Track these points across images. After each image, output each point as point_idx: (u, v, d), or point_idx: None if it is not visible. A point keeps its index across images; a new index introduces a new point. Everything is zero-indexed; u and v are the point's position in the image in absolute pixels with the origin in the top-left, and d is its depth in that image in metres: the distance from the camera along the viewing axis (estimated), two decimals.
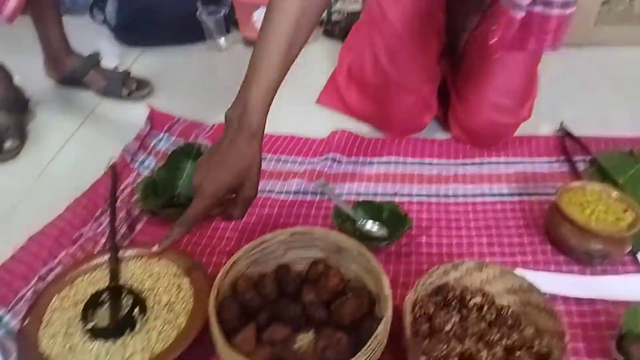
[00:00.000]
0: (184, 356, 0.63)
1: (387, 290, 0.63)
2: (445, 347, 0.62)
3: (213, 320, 0.61)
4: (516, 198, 0.94)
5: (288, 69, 0.70)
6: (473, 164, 1.03)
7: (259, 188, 0.94)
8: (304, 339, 0.69)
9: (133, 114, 1.16)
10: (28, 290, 0.75)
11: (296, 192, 0.96)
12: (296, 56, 0.71)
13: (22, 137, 1.07)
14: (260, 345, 0.65)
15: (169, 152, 1.04)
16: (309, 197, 0.95)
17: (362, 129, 1.14)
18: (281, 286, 0.72)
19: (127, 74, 1.24)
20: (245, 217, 0.88)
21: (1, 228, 0.88)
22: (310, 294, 0.70)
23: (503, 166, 1.02)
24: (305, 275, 0.75)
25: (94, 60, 1.24)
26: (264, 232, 0.86)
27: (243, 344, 0.63)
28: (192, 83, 1.33)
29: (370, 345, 0.57)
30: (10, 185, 0.98)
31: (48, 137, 1.11)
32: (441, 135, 1.12)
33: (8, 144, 1.03)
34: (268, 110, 0.69)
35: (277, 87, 0.69)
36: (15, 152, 1.04)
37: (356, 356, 0.56)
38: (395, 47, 1.02)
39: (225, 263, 0.79)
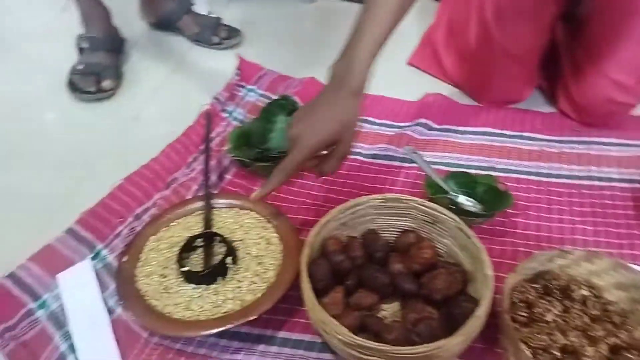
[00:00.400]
0: (270, 310, 0.63)
1: (489, 270, 0.60)
2: (547, 338, 0.58)
3: (305, 278, 0.60)
4: (627, 184, 0.86)
5: (396, 27, 0.68)
6: (580, 142, 0.94)
7: None
8: (389, 309, 0.68)
9: (222, 63, 1.16)
10: (124, 227, 0.78)
11: (383, 157, 0.92)
12: (406, 14, 0.68)
13: (118, 77, 1.09)
14: (348, 309, 0.64)
15: (258, 104, 1.04)
16: (396, 163, 0.91)
17: (456, 94, 1.07)
18: (369, 252, 0.70)
19: (218, 21, 1.23)
20: (329, 177, 0.88)
21: (98, 165, 0.92)
22: (398, 264, 0.68)
23: (614, 148, 0.93)
24: (393, 244, 0.73)
25: (186, 5, 1.24)
26: (348, 194, 0.85)
27: (332, 305, 0.62)
28: (280, 34, 1.30)
29: (469, 325, 0.55)
30: (107, 125, 1.02)
31: (141, 80, 1.13)
32: (544, 108, 1.03)
33: (106, 83, 1.05)
34: (371, 68, 0.68)
35: (383, 45, 0.68)
36: (112, 93, 1.07)
37: (454, 335, 0.54)
38: (506, 6, 0.93)
39: (309, 220, 0.79)
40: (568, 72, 0.98)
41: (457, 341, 0.54)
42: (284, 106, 0.89)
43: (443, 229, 0.69)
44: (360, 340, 0.54)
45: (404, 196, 0.70)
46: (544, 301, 0.63)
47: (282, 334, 0.66)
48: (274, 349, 0.64)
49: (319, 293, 0.62)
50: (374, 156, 0.92)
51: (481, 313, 0.56)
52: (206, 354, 0.64)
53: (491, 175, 0.82)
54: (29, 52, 1.23)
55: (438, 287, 0.64)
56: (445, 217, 0.67)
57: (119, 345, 0.63)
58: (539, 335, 0.59)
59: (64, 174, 0.91)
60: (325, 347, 0.64)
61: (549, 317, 0.61)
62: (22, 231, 0.80)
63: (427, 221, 0.71)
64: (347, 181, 0.87)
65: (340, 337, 0.55)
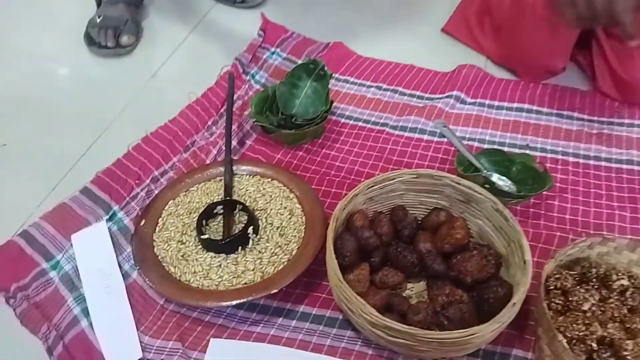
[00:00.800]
0: (291, 283, 0.61)
1: (529, 256, 0.56)
2: (584, 328, 0.55)
3: (331, 253, 0.57)
4: None
5: None
6: (621, 124, 0.89)
7: (372, 120, 0.89)
8: (414, 288, 0.65)
9: (245, 22, 1.10)
10: (141, 190, 0.75)
11: (412, 129, 0.87)
12: None
13: (137, 33, 1.05)
14: (373, 288, 0.61)
15: (281, 68, 0.99)
16: (426, 137, 0.86)
17: (491, 67, 1.01)
18: (396, 228, 0.67)
19: None
20: (355, 149, 0.84)
21: (114, 123, 0.89)
22: (427, 243, 0.65)
23: None
24: (421, 222, 0.69)
25: None
26: (374, 167, 0.81)
27: (357, 282, 0.59)
28: None
29: (505, 312, 0.51)
30: (124, 82, 0.98)
31: (160, 37, 1.09)
32: (582, 85, 0.97)
33: (124, 39, 1.01)
34: None
35: None
36: (131, 49, 1.02)
37: (489, 322, 0.51)
38: None
39: (333, 192, 0.76)
40: (609, 49, 0.91)
41: (492, 328, 0.51)
42: (312, 71, 0.83)
43: (477, 209, 0.65)
44: (388, 321, 0.51)
45: (436, 172, 0.66)
46: (581, 290, 0.59)
47: (301, 308, 0.63)
48: (292, 323, 0.62)
49: (344, 269, 0.59)
50: (402, 128, 0.87)
51: (518, 300, 0.52)
52: (223, 324, 0.61)
53: (528, 154, 0.78)
54: (45, 3, 1.18)
55: (469, 269, 0.60)
56: (481, 196, 0.64)
57: (133, 311, 0.61)
58: (576, 325, 0.55)
59: (79, 130, 0.87)
60: (347, 323, 0.61)
61: (585, 307, 0.58)
62: (35, 188, 0.77)
63: (460, 200, 0.67)
64: (373, 153, 0.83)
65: (367, 316, 0.52)
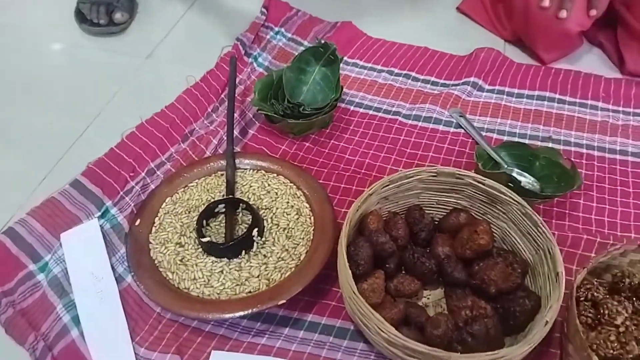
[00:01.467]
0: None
1: (561, 267, 0.51)
2: (618, 346, 0.51)
3: (344, 262, 0.52)
4: None
5: None
6: None
7: (383, 108, 0.83)
8: (431, 296, 0.61)
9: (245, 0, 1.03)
10: (136, 183, 0.69)
11: (427, 119, 0.81)
12: None
13: (131, 11, 0.98)
14: (388, 297, 0.56)
15: (286, 49, 0.93)
16: (441, 127, 0.81)
17: (511, 51, 0.95)
18: (412, 231, 0.62)
19: None
20: (366, 139, 0.78)
21: (107, 108, 0.83)
22: (445, 247, 0.60)
23: None
24: (439, 223, 0.64)
25: None
26: (386, 160, 0.76)
27: (371, 292, 0.55)
28: None
29: (536, 332, 0.47)
30: (117, 63, 0.91)
31: (156, 14, 1.02)
32: (609, 73, 0.91)
33: (118, 16, 0.94)
34: None
35: None
36: (124, 27, 0.95)
37: (520, 344, 0.46)
38: None
39: (342, 188, 0.71)
40: (633, 20, 0.84)
41: (522, 350, 0.46)
42: (321, 55, 0.77)
43: (501, 210, 0.60)
44: (409, 341, 0.46)
45: (459, 170, 0.61)
46: (613, 301, 0.55)
47: (309, 317, 0.58)
48: (300, 333, 0.57)
49: (357, 277, 0.54)
50: (416, 117, 0.82)
51: (551, 318, 0.48)
52: (225, 335, 0.57)
53: (554, 149, 0.72)
54: None
55: (493, 278, 0.55)
56: (507, 198, 0.58)
57: (128, 320, 0.56)
58: (609, 342, 0.51)
59: (69, 115, 0.81)
60: (358, 335, 0.57)
61: (619, 320, 0.54)
62: (21, 180, 0.72)
63: (482, 200, 0.62)
64: (385, 145, 0.78)
65: (384, 334, 0.48)
